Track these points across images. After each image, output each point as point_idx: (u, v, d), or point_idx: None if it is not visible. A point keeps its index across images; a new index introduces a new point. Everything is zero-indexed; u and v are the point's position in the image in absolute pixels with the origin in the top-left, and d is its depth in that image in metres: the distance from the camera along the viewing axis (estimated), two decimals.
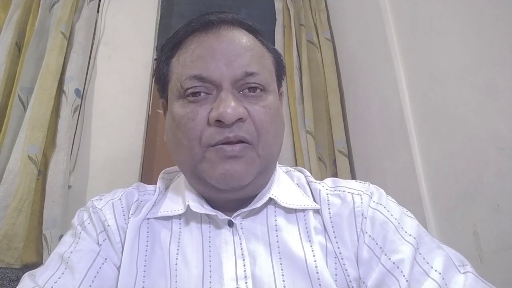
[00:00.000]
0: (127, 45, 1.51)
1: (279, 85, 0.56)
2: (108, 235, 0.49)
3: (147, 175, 1.36)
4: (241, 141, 0.46)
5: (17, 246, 1.06)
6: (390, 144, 1.12)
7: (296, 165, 1.37)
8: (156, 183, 0.58)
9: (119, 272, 0.46)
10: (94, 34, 1.48)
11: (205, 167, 0.46)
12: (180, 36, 0.51)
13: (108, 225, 0.49)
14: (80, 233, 0.49)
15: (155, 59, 1.54)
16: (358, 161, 1.36)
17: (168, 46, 0.53)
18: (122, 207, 0.52)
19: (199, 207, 0.49)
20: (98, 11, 1.52)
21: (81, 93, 1.35)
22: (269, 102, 0.49)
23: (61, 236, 1.13)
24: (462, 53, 0.86)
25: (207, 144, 0.45)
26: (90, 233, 0.49)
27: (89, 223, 0.50)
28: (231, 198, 0.49)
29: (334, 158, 1.40)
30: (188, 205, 0.49)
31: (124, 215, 0.51)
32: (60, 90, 1.30)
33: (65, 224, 1.17)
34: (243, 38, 0.50)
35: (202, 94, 0.47)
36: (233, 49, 0.48)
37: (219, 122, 0.44)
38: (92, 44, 1.46)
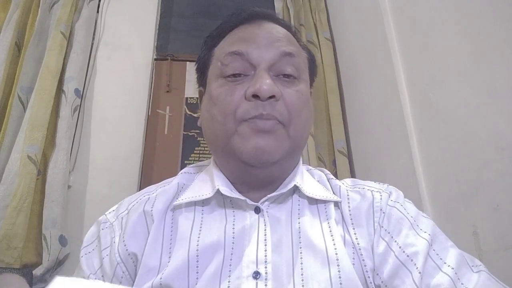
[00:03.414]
0: (127, 45, 1.51)
1: (311, 81, 0.58)
2: (126, 267, 0.49)
3: (147, 175, 1.36)
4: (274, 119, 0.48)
5: (16, 246, 1.06)
6: (390, 144, 1.12)
7: None
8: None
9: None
10: (94, 34, 1.48)
11: (237, 140, 0.48)
12: (225, 28, 0.55)
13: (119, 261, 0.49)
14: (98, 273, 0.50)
15: (155, 59, 1.54)
16: (358, 161, 1.36)
17: (212, 37, 0.56)
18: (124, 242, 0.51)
19: (228, 191, 0.50)
20: (98, 11, 1.52)
21: (81, 93, 1.35)
22: (301, 89, 0.51)
23: (61, 236, 1.13)
24: (462, 53, 0.86)
25: (241, 119, 0.47)
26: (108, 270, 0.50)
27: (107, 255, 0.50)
28: (260, 176, 0.50)
29: (334, 158, 1.40)
30: (218, 189, 0.50)
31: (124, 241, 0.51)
32: (59, 90, 1.30)
33: (65, 224, 1.17)
34: (282, 30, 0.54)
35: (242, 75, 0.49)
36: (273, 34, 0.51)
37: (255, 97, 0.47)
38: (92, 44, 1.46)
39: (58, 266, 1.12)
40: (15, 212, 1.07)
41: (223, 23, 0.55)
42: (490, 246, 0.76)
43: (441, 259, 0.44)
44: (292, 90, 0.50)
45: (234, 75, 0.49)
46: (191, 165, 0.63)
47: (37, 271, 1.07)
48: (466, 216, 0.83)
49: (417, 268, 0.42)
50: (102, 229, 0.53)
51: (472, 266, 0.43)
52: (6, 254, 1.05)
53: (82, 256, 0.51)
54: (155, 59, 1.54)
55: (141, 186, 1.32)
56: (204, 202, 0.52)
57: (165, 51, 1.56)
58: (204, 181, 0.55)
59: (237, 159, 0.49)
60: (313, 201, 0.52)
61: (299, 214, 0.50)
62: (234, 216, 0.50)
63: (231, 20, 0.54)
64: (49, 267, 1.09)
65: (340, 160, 1.37)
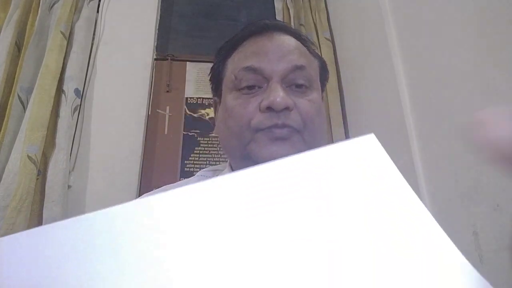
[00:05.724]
0: (127, 45, 1.51)
1: (322, 88, 0.60)
2: None
3: (147, 175, 1.36)
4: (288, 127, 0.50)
5: None
6: (390, 144, 1.12)
7: None
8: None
9: None
10: (94, 34, 1.48)
11: (253, 146, 0.50)
12: (237, 39, 0.56)
13: None
14: None
15: (155, 59, 1.54)
16: None
17: (225, 48, 0.58)
18: None
19: None
20: (98, 11, 1.52)
21: (81, 93, 1.35)
22: (314, 97, 0.53)
23: None
24: (462, 53, 0.86)
25: (256, 128, 0.49)
26: None
27: None
28: None
29: None
30: None
31: None
32: (59, 90, 1.30)
33: None
34: (292, 41, 0.55)
35: (256, 87, 0.51)
36: (284, 47, 0.53)
37: (269, 109, 0.48)
38: (92, 44, 1.46)
39: None
40: (15, 212, 1.07)
41: (235, 36, 0.57)
42: (490, 246, 0.76)
43: None
44: (305, 100, 0.51)
45: (248, 87, 0.51)
46: (206, 169, 0.65)
47: None
48: (466, 216, 0.83)
49: None
50: None
51: None
52: None
53: None
54: (155, 59, 1.54)
55: (141, 186, 1.32)
56: None
57: (165, 51, 1.56)
58: None
59: (255, 163, 0.50)
60: None
61: None
62: None
63: (243, 33, 0.56)
64: None
65: None
